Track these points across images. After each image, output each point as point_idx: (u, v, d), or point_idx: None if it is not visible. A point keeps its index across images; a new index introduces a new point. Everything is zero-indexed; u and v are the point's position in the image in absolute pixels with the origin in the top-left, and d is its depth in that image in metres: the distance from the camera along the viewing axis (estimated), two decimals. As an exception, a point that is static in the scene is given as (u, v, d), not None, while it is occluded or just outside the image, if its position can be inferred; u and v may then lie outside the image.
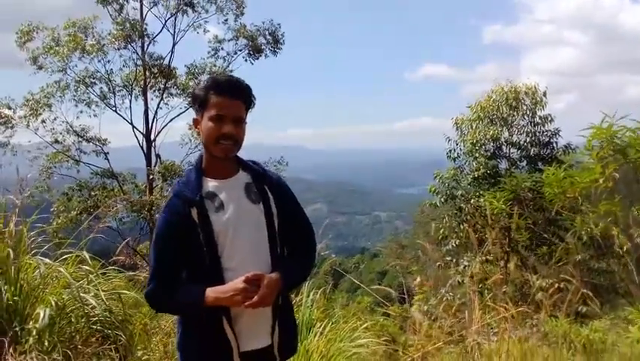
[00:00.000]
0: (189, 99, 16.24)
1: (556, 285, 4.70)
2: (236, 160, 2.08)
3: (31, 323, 3.19)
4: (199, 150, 16.96)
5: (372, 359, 4.05)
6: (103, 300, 3.60)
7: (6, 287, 3.32)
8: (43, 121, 15.75)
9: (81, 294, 3.51)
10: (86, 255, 3.86)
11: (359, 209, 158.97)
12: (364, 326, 4.38)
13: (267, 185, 2.06)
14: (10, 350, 3.08)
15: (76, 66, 15.81)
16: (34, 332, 3.18)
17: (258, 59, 16.84)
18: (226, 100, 1.93)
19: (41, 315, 3.17)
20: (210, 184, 2.00)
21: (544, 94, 13.20)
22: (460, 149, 13.57)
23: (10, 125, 15.73)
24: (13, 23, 16.30)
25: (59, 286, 3.57)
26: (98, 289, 3.65)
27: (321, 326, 4.01)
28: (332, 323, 4.15)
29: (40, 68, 15.62)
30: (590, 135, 3.39)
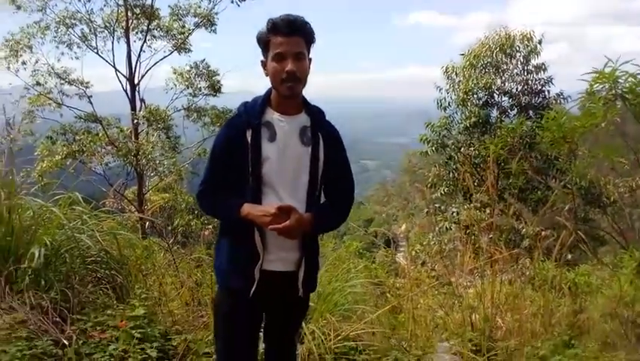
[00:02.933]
0: (173, 42, 16.06)
1: (544, 232, 4.78)
2: (303, 101, 2.17)
3: (26, 262, 3.16)
4: (185, 95, 16.57)
5: (365, 297, 4.13)
6: (98, 240, 3.58)
7: (-2, 228, 3.28)
8: (23, 63, 15.20)
9: (75, 234, 3.47)
10: (79, 196, 3.81)
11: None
12: (357, 268, 4.45)
13: (322, 133, 2.15)
14: (7, 289, 3.07)
15: (56, 5, 15.14)
16: (29, 272, 3.16)
17: (244, 0, 16.20)
18: (284, 38, 2.00)
19: (36, 255, 3.14)
20: (271, 115, 2.11)
21: (540, 42, 13.04)
22: (451, 98, 13.49)
23: (-11, 66, 15.17)
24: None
25: (53, 227, 3.53)
26: (92, 230, 3.62)
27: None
28: (326, 266, 4.20)
29: (18, 7, 14.94)
30: (592, 80, 3.35)
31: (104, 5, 15.55)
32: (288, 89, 2.03)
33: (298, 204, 2.06)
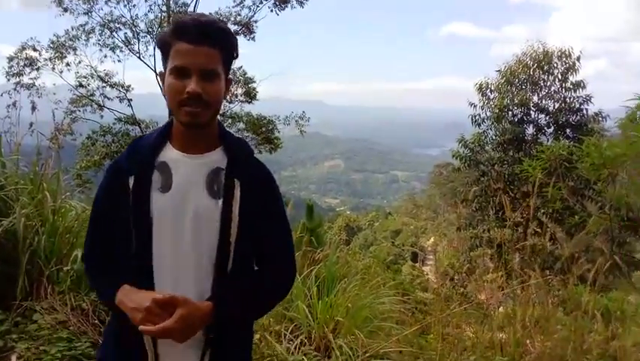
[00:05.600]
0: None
1: (577, 255, 4.69)
2: (220, 134, 1.55)
3: (68, 264, 3.29)
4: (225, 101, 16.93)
5: (393, 314, 4.13)
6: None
7: (43, 229, 3.42)
8: (67, 64, 15.85)
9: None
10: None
11: (377, 167, 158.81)
12: (388, 284, 4.45)
13: (240, 178, 1.50)
14: (49, 290, 3.20)
15: (101, 9, 15.75)
16: (71, 273, 3.29)
17: (284, 9, 16.50)
18: (191, 46, 1.39)
19: (78, 256, 3.27)
20: (170, 154, 1.49)
21: (578, 58, 12.81)
22: (486, 114, 13.37)
23: (35, 67, 15.82)
24: (39, -37, 16.08)
25: (94, 230, 3.66)
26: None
27: (344, 282, 4.09)
28: (355, 280, 4.22)
29: (65, 10, 15.57)
30: (636, 107, 3.30)
31: (149, 11, 16.10)
32: (187, 114, 1.41)
33: (202, 283, 1.46)
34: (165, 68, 1.45)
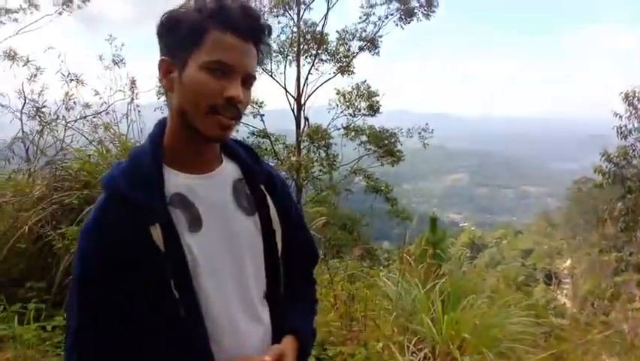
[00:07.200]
0: (338, 65, 16.89)
1: None
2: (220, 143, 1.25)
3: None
4: (345, 115, 17.39)
5: (524, 336, 3.91)
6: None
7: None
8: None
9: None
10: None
11: (505, 182, 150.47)
12: (519, 305, 4.24)
13: (262, 184, 1.27)
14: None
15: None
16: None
17: (409, 23, 16.53)
18: (239, 42, 1.11)
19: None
20: (177, 180, 1.15)
21: None
22: (634, 125, 12.15)
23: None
24: None
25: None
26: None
27: (472, 298, 3.96)
28: (483, 298, 4.08)
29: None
30: None
31: (281, 33, 17.05)
32: (220, 126, 1.11)
33: (263, 322, 1.23)
34: (184, 57, 1.10)
